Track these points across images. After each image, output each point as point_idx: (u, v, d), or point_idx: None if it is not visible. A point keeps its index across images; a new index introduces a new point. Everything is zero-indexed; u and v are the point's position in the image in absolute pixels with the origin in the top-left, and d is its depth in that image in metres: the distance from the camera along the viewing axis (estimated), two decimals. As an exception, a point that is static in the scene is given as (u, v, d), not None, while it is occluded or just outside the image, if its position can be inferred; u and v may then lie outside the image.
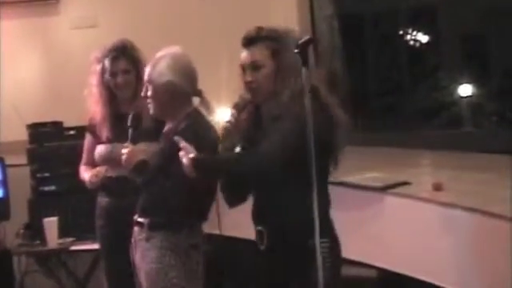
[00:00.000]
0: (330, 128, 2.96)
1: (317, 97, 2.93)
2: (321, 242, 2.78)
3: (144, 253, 3.50)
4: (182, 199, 3.34)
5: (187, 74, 3.47)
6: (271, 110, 2.97)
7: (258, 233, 2.99)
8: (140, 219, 3.54)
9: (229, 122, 3.04)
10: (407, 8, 6.16)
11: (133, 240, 3.62)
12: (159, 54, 3.52)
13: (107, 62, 4.07)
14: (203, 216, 3.55)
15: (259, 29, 3.04)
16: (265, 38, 3.00)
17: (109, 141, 3.99)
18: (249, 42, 3.01)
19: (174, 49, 3.55)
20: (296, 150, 2.78)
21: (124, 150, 3.47)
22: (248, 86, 3.00)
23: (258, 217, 3.03)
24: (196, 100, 3.52)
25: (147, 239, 3.49)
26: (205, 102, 3.50)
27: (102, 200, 4.12)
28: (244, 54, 3.01)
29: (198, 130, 3.38)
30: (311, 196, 2.73)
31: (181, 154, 2.93)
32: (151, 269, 3.45)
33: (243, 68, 3.01)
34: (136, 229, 3.58)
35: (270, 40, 3.01)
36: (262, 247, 2.97)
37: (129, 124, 3.60)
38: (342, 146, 3.07)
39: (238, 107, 3.06)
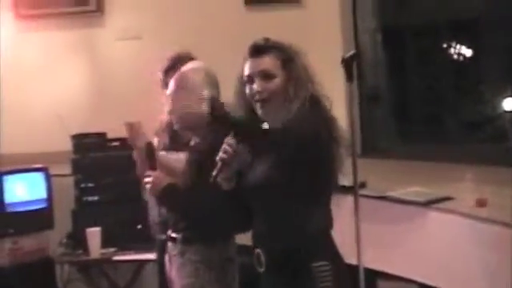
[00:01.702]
0: (334, 143, 2.84)
1: (319, 109, 2.86)
2: (320, 266, 2.76)
3: (179, 268, 3.51)
4: (218, 213, 3.24)
5: (217, 87, 3.51)
6: (281, 119, 2.84)
7: (256, 255, 2.89)
8: (173, 234, 3.56)
9: (226, 153, 2.80)
10: (450, 21, 6.12)
11: (167, 255, 3.63)
12: (185, 69, 3.55)
13: (160, 74, 4.08)
14: (239, 229, 3.44)
15: (267, 39, 2.93)
16: (273, 47, 2.89)
17: (165, 148, 4.00)
18: (258, 51, 2.89)
19: (200, 63, 3.63)
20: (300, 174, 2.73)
21: (147, 179, 3.40)
22: (258, 96, 2.87)
23: (255, 239, 2.94)
24: None
25: (181, 254, 3.50)
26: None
27: (162, 211, 4.10)
28: (252, 64, 2.89)
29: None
30: (312, 218, 2.70)
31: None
32: (187, 284, 3.46)
33: (250, 79, 2.89)
34: (170, 244, 3.59)
35: (279, 50, 2.89)
36: (261, 270, 2.89)
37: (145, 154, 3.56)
38: (343, 163, 2.90)
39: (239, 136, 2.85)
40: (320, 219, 2.81)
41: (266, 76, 2.86)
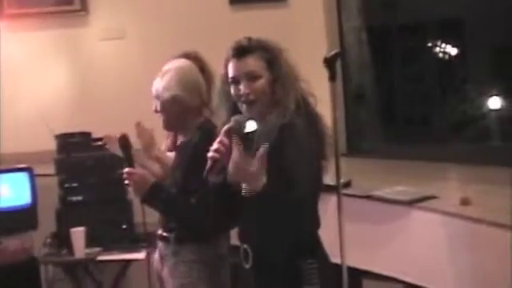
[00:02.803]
0: (324, 142, 2.86)
1: (306, 107, 2.85)
2: (307, 264, 2.76)
3: (172, 267, 3.51)
4: (208, 213, 3.17)
5: (192, 86, 3.48)
6: (277, 120, 2.80)
7: (243, 251, 2.88)
8: (165, 233, 3.55)
9: (217, 151, 2.73)
10: (435, 20, 6.14)
11: (157, 254, 3.62)
12: (165, 68, 3.53)
13: None
14: (230, 227, 3.42)
15: (250, 38, 2.87)
16: (257, 47, 2.84)
17: (169, 149, 3.97)
18: (241, 51, 2.84)
19: (179, 62, 3.58)
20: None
21: (128, 178, 3.36)
22: (244, 98, 2.83)
23: (243, 235, 2.93)
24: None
25: (174, 254, 3.49)
26: (211, 114, 3.45)
27: None
28: (236, 65, 2.84)
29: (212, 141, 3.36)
30: (301, 217, 2.68)
31: None
32: (181, 284, 3.46)
33: (235, 80, 2.85)
34: (161, 243, 3.58)
35: (262, 50, 2.85)
36: (247, 266, 2.87)
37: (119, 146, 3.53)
38: (329, 163, 2.91)
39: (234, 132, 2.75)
40: (308, 218, 2.80)
41: (252, 77, 2.83)
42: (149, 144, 3.75)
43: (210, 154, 2.73)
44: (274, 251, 2.81)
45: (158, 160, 3.75)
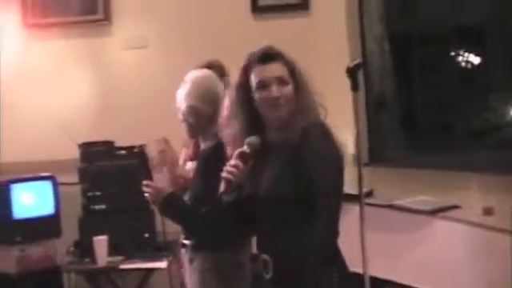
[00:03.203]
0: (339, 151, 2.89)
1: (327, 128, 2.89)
2: (326, 274, 2.76)
3: (189, 275, 3.57)
4: (218, 223, 3.25)
5: (208, 96, 3.55)
6: (301, 124, 2.84)
7: (263, 261, 2.89)
8: (185, 241, 3.60)
9: (231, 173, 2.80)
10: (458, 28, 6.11)
11: (182, 262, 3.66)
12: (185, 79, 3.63)
13: None
14: (246, 236, 3.49)
15: (272, 47, 2.92)
16: (279, 56, 2.90)
17: (190, 159, 4.03)
18: (267, 58, 2.89)
19: (198, 72, 3.68)
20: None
21: (147, 190, 3.44)
22: (274, 102, 2.86)
23: (261, 245, 2.95)
24: None
25: (190, 261, 3.55)
26: None
27: None
28: (265, 69, 2.87)
29: (218, 148, 3.43)
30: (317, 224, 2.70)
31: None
32: None
33: (264, 84, 2.87)
34: (182, 250, 3.61)
35: (283, 59, 2.90)
36: (268, 276, 2.88)
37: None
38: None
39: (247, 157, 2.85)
40: (327, 225, 2.80)
41: (282, 82, 2.87)
42: (174, 163, 3.84)
43: (223, 175, 2.79)
44: (293, 261, 2.80)
45: (181, 177, 3.81)
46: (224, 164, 2.88)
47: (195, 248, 3.53)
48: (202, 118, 3.54)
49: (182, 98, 3.56)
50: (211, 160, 3.40)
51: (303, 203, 2.75)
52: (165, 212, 3.47)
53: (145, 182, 3.44)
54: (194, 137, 3.69)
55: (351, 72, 2.80)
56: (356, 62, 2.84)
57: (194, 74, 3.64)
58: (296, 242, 2.80)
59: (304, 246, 2.76)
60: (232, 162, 2.81)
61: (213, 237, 3.40)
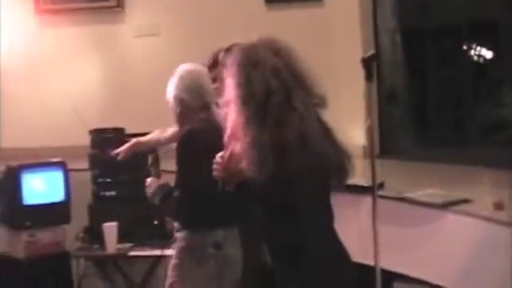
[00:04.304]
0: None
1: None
2: (316, 259, 2.76)
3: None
4: (192, 208, 3.61)
5: (193, 89, 3.76)
6: None
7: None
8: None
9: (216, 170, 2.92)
10: (471, 22, 6.08)
11: None
12: (175, 71, 3.85)
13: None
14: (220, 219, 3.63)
15: None
16: None
17: None
18: None
19: (187, 66, 3.86)
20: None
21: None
22: None
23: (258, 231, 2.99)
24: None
25: (174, 241, 3.79)
26: (211, 114, 3.74)
27: None
28: None
29: (181, 138, 3.71)
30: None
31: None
32: (171, 264, 3.77)
33: None
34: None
35: None
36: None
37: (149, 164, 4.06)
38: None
39: None
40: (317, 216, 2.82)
41: None
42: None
43: (214, 174, 2.88)
44: (283, 247, 2.83)
45: None
46: (197, 150, 3.42)
47: (176, 229, 3.76)
48: (187, 108, 3.75)
49: (170, 89, 3.81)
50: (182, 147, 3.66)
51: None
52: (156, 201, 3.87)
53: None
54: (179, 126, 3.86)
55: (366, 62, 2.80)
56: (371, 53, 2.85)
57: (182, 67, 3.85)
58: (285, 231, 2.83)
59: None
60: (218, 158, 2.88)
61: (185, 219, 3.68)
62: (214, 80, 4.06)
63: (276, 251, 2.84)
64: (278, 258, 2.83)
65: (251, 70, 2.77)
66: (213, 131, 3.50)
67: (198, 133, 3.66)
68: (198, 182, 3.47)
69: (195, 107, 3.75)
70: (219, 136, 3.18)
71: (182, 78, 3.80)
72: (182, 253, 3.69)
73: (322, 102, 2.83)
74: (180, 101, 3.76)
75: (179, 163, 3.69)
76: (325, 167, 2.72)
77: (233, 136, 2.80)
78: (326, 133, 2.78)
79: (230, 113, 2.82)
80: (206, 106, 3.77)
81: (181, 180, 3.70)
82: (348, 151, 2.80)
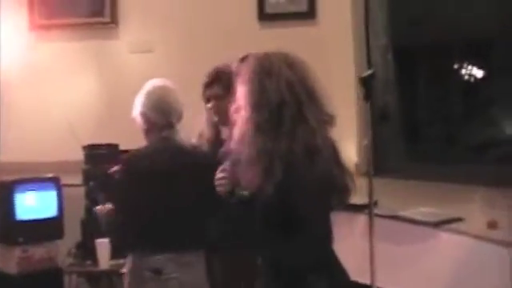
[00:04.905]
0: None
1: None
2: (318, 280, 2.76)
3: None
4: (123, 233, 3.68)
5: (159, 106, 3.72)
6: None
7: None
8: None
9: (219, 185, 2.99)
10: (462, 41, 6.13)
11: None
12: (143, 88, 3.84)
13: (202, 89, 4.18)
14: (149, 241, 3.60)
15: None
16: None
17: None
18: None
19: (154, 81, 3.85)
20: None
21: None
22: None
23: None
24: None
25: None
26: (172, 133, 3.71)
27: None
28: None
29: (122, 162, 3.79)
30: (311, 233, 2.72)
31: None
32: None
33: None
34: None
35: None
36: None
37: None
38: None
39: None
40: (316, 232, 2.81)
41: None
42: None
43: (218, 190, 2.93)
44: (278, 264, 2.83)
45: None
46: (134, 176, 3.55)
47: None
48: (153, 125, 3.73)
49: (136, 105, 3.78)
50: (121, 172, 3.74)
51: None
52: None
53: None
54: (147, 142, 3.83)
55: (364, 82, 2.81)
56: (369, 72, 2.85)
57: (150, 83, 3.83)
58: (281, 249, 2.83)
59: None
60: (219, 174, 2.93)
61: (117, 243, 3.94)
62: (208, 99, 4.08)
63: (275, 269, 2.83)
64: (277, 276, 2.83)
65: (265, 79, 2.79)
66: (168, 151, 3.60)
67: (142, 158, 3.67)
68: (129, 209, 3.55)
69: (160, 125, 3.73)
70: (174, 156, 3.47)
71: (148, 95, 3.76)
72: (127, 275, 3.70)
73: (330, 120, 2.83)
74: (146, 118, 3.74)
75: (114, 188, 3.76)
76: (329, 185, 2.73)
77: (239, 145, 2.80)
78: (333, 151, 2.80)
79: (238, 121, 2.84)
80: (169, 125, 3.73)
81: (115, 205, 3.73)
82: (351, 171, 2.81)
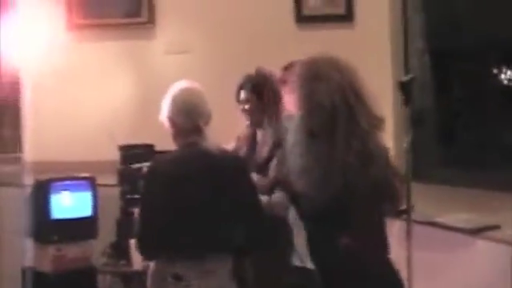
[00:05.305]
0: None
1: None
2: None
3: None
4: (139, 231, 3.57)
5: (185, 110, 3.60)
6: None
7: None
8: None
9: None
10: (500, 44, 6.06)
11: None
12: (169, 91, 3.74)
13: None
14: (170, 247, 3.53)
15: None
16: None
17: None
18: None
19: (180, 84, 3.73)
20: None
21: None
22: None
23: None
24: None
25: None
26: (200, 138, 3.59)
27: None
28: None
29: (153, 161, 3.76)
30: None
31: None
32: None
33: None
34: None
35: None
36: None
37: None
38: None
39: None
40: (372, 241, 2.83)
41: None
42: None
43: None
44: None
45: None
46: (155, 183, 3.46)
47: None
48: (177, 129, 3.63)
49: (163, 110, 3.69)
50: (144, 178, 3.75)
51: None
52: None
53: None
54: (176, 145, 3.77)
55: (404, 86, 2.78)
56: (409, 77, 2.83)
57: (177, 86, 3.72)
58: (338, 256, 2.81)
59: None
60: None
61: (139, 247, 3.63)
62: (242, 102, 4.20)
63: (326, 267, 2.84)
64: (328, 274, 2.83)
65: (315, 83, 2.79)
66: (192, 157, 3.52)
67: (166, 163, 3.61)
68: (150, 213, 3.50)
69: (187, 129, 3.61)
70: (198, 162, 3.40)
71: (174, 99, 3.66)
72: (149, 277, 3.66)
73: (379, 124, 2.80)
74: (172, 122, 3.64)
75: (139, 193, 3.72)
76: (382, 190, 2.71)
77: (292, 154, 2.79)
78: (386, 155, 2.77)
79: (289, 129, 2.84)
80: (197, 129, 3.61)
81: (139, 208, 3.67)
82: (401, 176, 2.79)
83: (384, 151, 2.77)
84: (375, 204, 2.71)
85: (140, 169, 4.11)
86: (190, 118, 3.60)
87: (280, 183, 3.02)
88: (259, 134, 4.23)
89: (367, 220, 2.70)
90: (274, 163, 3.96)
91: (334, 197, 2.62)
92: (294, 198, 2.93)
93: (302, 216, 2.91)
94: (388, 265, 2.89)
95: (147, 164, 3.91)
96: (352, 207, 2.64)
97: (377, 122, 2.80)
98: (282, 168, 3.38)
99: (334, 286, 2.84)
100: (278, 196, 3.70)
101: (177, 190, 3.44)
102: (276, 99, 4.13)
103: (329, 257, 2.81)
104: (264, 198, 3.81)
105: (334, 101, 2.74)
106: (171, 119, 3.64)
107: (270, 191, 3.67)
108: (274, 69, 4.36)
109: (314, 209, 2.70)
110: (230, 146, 4.20)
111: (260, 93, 4.18)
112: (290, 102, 2.85)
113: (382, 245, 2.85)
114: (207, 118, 3.63)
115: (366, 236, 2.73)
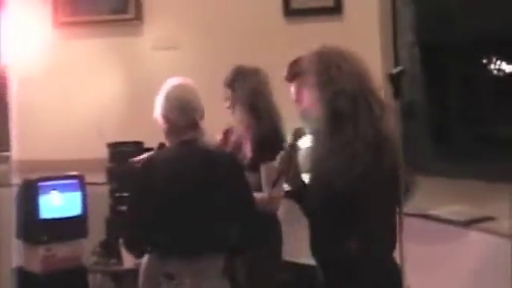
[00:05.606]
0: None
1: None
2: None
3: None
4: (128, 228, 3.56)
5: (179, 106, 3.56)
6: None
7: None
8: None
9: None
10: (491, 36, 6.04)
11: None
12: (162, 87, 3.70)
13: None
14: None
15: None
16: None
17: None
18: None
19: (172, 81, 3.70)
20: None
21: None
22: None
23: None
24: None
25: None
26: (197, 133, 3.57)
27: None
28: None
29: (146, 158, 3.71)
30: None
31: None
32: None
33: None
34: None
35: None
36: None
37: None
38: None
39: None
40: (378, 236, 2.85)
41: None
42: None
43: None
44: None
45: None
46: (147, 181, 3.38)
47: None
48: (171, 126, 3.59)
49: (156, 107, 3.65)
50: (135, 175, 3.64)
51: None
52: None
53: None
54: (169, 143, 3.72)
55: (394, 78, 2.75)
56: (399, 69, 2.80)
57: (170, 83, 3.69)
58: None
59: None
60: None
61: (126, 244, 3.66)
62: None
63: (331, 263, 2.83)
64: (332, 270, 2.82)
65: (332, 71, 2.82)
66: (189, 155, 3.48)
67: (160, 161, 3.56)
68: (139, 211, 3.46)
69: (182, 125, 3.57)
70: (194, 160, 3.37)
71: (167, 96, 3.62)
72: (141, 274, 3.64)
73: (388, 111, 2.85)
74: (167, 119, 3.60)
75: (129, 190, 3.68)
76: (397, 176, 2.70)
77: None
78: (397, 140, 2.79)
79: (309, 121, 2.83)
80: (193, 124, 3.57)
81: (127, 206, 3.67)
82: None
83: (396, 137, 2.78)
84: (390, 192, 2.69)
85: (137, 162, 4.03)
86: (184, 113, 3.56)
87: (285, 176, 2.98)
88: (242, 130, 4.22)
89: (379, 216, 2.69)
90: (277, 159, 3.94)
91: (351, 185, 2.62)
92: (300, 192, 2.91)
93: (307, 210, 2.89)
94: (391, 261, 2.88)
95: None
96: (366, 198, 2.66)
97: (386, 109, 2.81)
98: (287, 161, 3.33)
99: (335, 283, 2.82)
100: (278, 190, 3.66)
101: (173, 188, 3.41)
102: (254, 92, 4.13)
103: (333, 255, 2.81)
104: (258, 194, 3.78)
105: (354, 85, 2.75)
106: (165, 116, 3.60)
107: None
108: (264, 63, 4.34)
109: (326, 199, 2.69)
110: (215, 139, 4.18)
111: (231, 85, 4.19)
112: (304, 95, 2.84)
113: (390, 243, 2.83)
114: (202, 113, 3.61)
115: (375, 235, 2.75)
